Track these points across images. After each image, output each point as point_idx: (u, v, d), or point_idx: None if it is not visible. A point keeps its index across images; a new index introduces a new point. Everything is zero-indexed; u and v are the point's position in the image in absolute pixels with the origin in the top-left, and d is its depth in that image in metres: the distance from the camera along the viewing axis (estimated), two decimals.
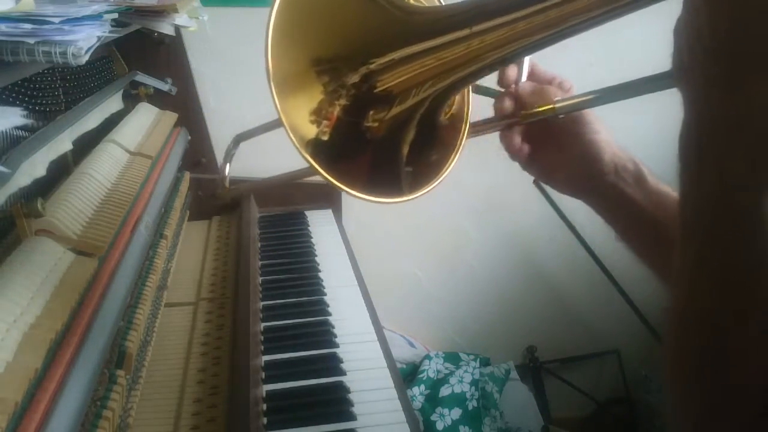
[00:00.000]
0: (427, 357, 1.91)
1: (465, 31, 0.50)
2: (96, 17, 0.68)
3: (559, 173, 0.68)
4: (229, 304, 1.17)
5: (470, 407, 1.77)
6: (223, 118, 1.65)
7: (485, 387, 1.84)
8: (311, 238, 1.50)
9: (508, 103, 0.64)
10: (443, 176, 0.59)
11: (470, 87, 0.62)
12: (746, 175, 0.42)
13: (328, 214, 1.64)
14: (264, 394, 0.97)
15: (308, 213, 1.64)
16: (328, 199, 1.67)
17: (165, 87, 1.49)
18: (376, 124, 0.54)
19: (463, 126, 0.61)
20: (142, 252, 0.91)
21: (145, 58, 1.44)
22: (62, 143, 0.85)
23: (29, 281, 0.64)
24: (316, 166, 0.50)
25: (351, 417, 0.93)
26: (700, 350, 0.45)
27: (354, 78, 0.52)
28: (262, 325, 1.14)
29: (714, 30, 0.42)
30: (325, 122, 0.52)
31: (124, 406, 0.76)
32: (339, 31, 0.53)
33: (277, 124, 0.50)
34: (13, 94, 0.80)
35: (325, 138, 0.52)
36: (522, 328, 2.09)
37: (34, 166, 0.74)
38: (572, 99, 0.61)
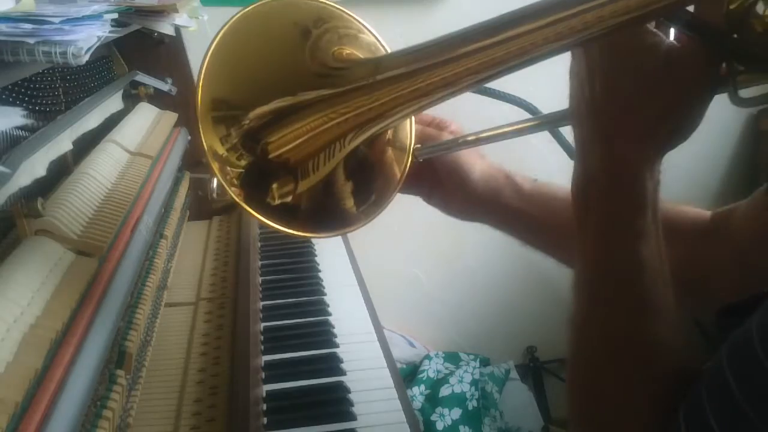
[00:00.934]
0: (427, 357, 1.91)
1: (366, 81, 0.47)
2: (96, 17, 0.68)
3: (451, 204, 0.70)
4: (229, 304, 1.16)
5: (470, 407, 1.77)
6: None
7: (485, 387, 1.84)
8: None
9: None
10: (396, 192, 0.57)
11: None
12: (622, 225, 0.44)
13: None
14: (264, 394, 0.97)
15: None
16: None
17: (165, 87, 1.48)
18: (291, 187, 0.49)
19: (408, 146, 0.58)
20: (142, 252, 0.91)
21: (145, 58, 1.44)
22: (62, 143, 0.85)
23: (29, 281, 0.64)
24: (258, 216, 0.47)
25: (351, 417, 0.93)
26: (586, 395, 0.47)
27: (246, 128, 0.47)
28: (262, 325, 1.14)
29: (591, 84, 0.44)
30: (233, 182, 0.46)
31: (124, 406, 0.76)
32: (245, 76, 0.48)
33: None
34: (13, 94, 0.80)
35: (247, 198, 0.47)
36: (522, 328, 2.09)
37: (34, 166, 0.74)
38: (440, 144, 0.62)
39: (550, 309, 2.07)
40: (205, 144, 0.46)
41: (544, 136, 0.64)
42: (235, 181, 0.47)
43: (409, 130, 0.58)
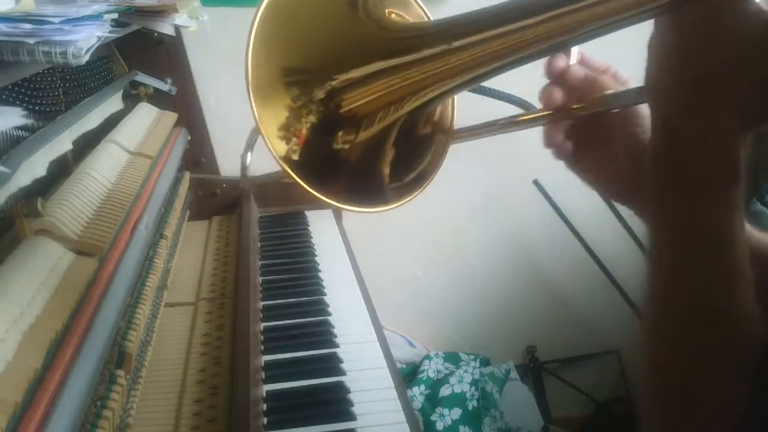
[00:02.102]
0: (427, 357, 1.91)
1: (442, 47, 0.48)
2: (96, 17, 0.68)
3: (605, 175, 0.60)
4: (229, 304, 1.17)
5: (470, 407, 1.77)
6: (223, 118, 1.65)
7: (485, 387, 1.84)
8: (311, 238, 1.50)
9: (557, 94, 0.56)
10: (428, 182, 0.56)
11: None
12: (717, 197, 0.43)
13: (328, 214, 1.64)
14: (264, 394, 0.97)
15: (308, 213, 1.64)
16: None
17: (165, 87, 1.49)
18: (353, 137, 0.52)
19: (449, 130, 0.58)
20: (142, 252, 0.91)
21: (145, 58, 1.44)
22: (62, 143, 0.85)
23: (29, 281, 0.64)
24: (297, 178, 0.49)
25: (351, 417, 0.93)
26: (667, 373, 0.46)
27: (327, 89, 0.51)
28: (262, 325, 1.14)
29: (680, 50, 0.42)
30: (300, 132, 0.50)
31: (124, 406, 0.76)
32: (317, 43, 0.52)
33: None
34: (13, 94, 0.80)
35: (304, 149, 0.50)
36: (522, 328, 2.09)
37: (34, 166, 0.74)
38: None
39: (550, 309, 2.07)
40: (257, 110, 0.48)
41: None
42: (303, 131, 0.50)
43: (452, 112, 0.58)
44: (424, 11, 0.56)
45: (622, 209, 1.82)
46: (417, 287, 2.01)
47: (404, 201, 0.55)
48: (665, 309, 0.46)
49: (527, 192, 1.84)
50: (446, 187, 1.86)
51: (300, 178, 0.49)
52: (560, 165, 0.62)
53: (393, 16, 0.54)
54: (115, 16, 0.77)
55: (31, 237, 0.72)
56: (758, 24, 0.40)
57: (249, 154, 0.77)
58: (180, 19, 1.13)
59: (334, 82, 0.50)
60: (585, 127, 0.58)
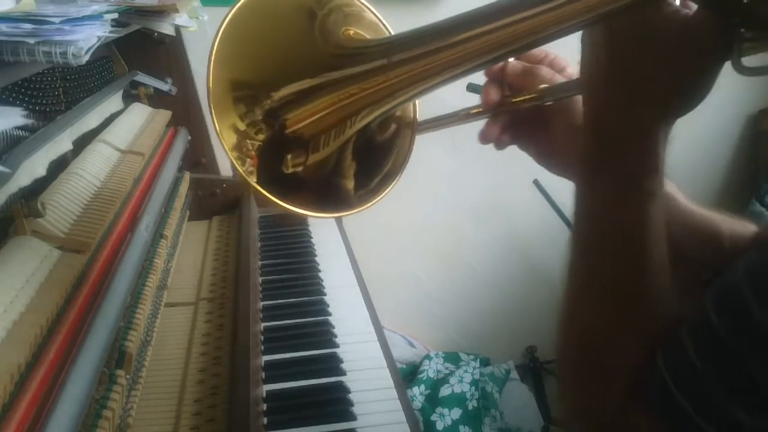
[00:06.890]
0: (427, 357, 1.91)
1: (382, 62, 0.48)
2: (96, 17, 0.68)
3: (547, 154, 0.65)
4: (229, 304, 1.16)
5: (470, 407, 1.77)
6: None
7: (485, 387, 1.85)
8: (311, 238, 1.50)
9: (493, 94, 0.60)
10: (396, 181, 0.57)
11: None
12: (636, 186, 0.46)
13: None
14: (264, 394, 0.97)
15: None
16: None
17: (165, 87, 1.49)
18: (303, 159, 0.50)
19: (412, 123, 0.59)
20: (142, 252, 0.91)
21: (145, 58, 1.44)
22: (62, 143, 0.85)
23: (14, 279, 0.64)
24: (263, 191, 0.48)
25: (351, 417, 0.93)
26: (577, 349, 0.53)
27: (267, 107, 0.49)
28: (262, 325, 1.14)
29: (609, 53, 0.45)
30: (251, 153, 0.49)
31: (124, 406, 0.76)
32: (266, 57, 0.50)
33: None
34: (13, 94, 0.80)
35: (261, 169, 0.49)
36: (522, 328, 2.09)
37: (34, 166, 0.74)
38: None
39: (550, 309, 2.06)
40: (217, 124, 0.48)
41: None
42: (253, 153, 0.48)
43: (414, 106, 0.59)
44: (383, 24, 0.56)
45: None
46: (417, 287, 2.01)
47: (372, 203, 0.55)
48: (583, 283, 0.52)
49: (527, 192, 1.84)
50: (446, 187, 1.87)
51: (266, 191, 0.48)
52: None
53: (351, 33, 0.53)
54: (115, 16, 0.77)
55: (16, 236, 0.71)
56: (672, 24, 0.43)
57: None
58: (180, 19, 1.13)
59: (272, 100, 0.48)
60: (527, 114, 0.62)
